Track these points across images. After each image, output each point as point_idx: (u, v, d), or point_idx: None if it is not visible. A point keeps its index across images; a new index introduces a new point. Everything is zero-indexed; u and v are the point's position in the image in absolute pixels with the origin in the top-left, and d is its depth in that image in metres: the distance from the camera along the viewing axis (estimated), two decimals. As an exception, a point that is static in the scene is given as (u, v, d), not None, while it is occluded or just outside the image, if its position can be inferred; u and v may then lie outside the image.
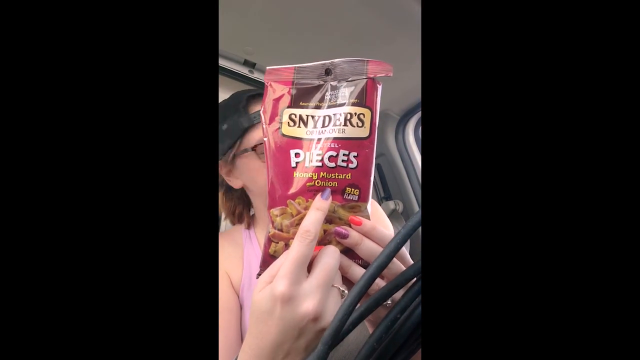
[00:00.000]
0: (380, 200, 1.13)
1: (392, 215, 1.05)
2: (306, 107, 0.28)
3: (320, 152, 0.27)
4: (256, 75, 0.94)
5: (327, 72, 0.28)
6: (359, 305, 0.25)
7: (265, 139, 0.29)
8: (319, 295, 0.25)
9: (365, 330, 0.39)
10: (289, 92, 0.29)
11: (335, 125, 0.28)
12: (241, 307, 0.58)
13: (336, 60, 0.28)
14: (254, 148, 0.53)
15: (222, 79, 0.90)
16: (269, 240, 0.29)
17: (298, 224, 0.27)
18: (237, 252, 0.62)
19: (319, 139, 0.28)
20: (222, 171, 0.58)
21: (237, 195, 0.64)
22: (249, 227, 0.64)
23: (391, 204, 1.06)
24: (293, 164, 0.28)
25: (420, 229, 0.24)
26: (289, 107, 0.29)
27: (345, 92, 0.28)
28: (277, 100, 0.29)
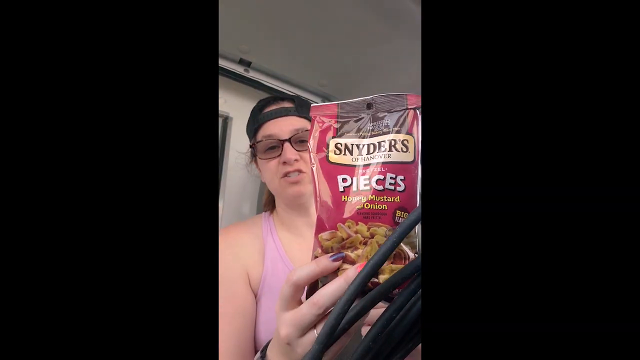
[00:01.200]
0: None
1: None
2: (351, 136, 0.31)
3: (367, 177, 0.29)
4: (252, 74, 0.93)
5: (369, 106, 0.30)
6: (355, 304, 0.25)
7: (313, 167, 0.31)
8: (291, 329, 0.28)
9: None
10: (334, 125, 0.31)
11: (380, 151, 0.30)
12: (259, 302, 0.58)
13: (376, 95, 0.30)
14: (254, 145, 0.61)
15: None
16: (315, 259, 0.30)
17: (348, 247, 0.29)
18: (257, 245, 0.62)
19: (366, 165, 0.30)
20: (258, 169, 0.67)
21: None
22: (272, 212, 0.68)
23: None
24: (341, 189, 0.29)
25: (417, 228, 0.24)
26: (334, 137, 0.31)
27: (388, 122, 0.30)
28: (323, 132, 0.31)
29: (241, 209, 0.92)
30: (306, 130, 0.61)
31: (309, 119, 0.63)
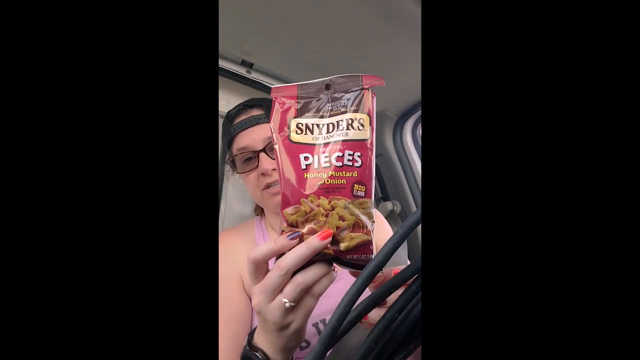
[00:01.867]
0: (378, 201, 1.13)
1: (389, 216, 1.05)
2: (311, 116, 0.32)
3: (327, 154, 0.31)
4: (254, 75, 0.94)
5: (327, 87, 0.32)
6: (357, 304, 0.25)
7: (276, 146, 0.32)
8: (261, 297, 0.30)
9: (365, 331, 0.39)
10: (295, 105, 0.33)
11: (338, 130, 0.32)
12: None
13: (334, 77, 0.32)
14: (230, 160, 0.60)
15: (219, 79, 0.90)
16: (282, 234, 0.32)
17: (312, 220, 0.30)
18: (250, 249, 0.61)
19: (326, 143, 0.32)
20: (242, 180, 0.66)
21: None
22: (263, 217, 0.68)
23: (389, 205, 1.06)
24: (303, 166, 0.31)
25: (417, 229, 0.24)
26: (295, 117, 0.33)
27: (345, 102, 0.32)
28: (284, 112, 0.33)
29: (242, 211, 0.92)
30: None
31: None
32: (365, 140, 0.31)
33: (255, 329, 0.36)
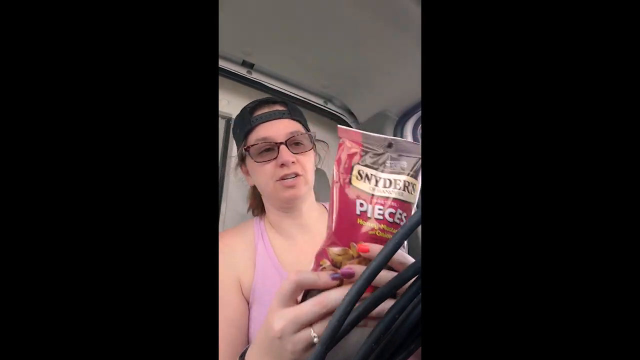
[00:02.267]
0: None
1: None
2: (372, 167, 0.34)
3: (382, 207, 0.33)
4: (254, 76, 0.94)
5: (389, 145, 0.34)
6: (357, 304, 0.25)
7: (337, 184, 0.34)
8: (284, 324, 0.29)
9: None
10: (360, 152, 0.34)
11: (395, 188, 0.34)
12: (250, 309, 0.57)
13: (398, 138, 0.35)
14: (246, 149, 0.60)
15: (220, 79, 0.90)
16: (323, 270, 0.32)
17: (357, 265, 0.31)
18: (249, 252, 0.62)
19: (382, 197, 0.33)
20: (242, 170, 0.67)
21: (258, 193, 0.69)
22: (263, 216, 0.68)
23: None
24: (358, 212, 0.32)
25: (417, 230, 0.24)
26: (358, 163, 0.34)
27: (404, 164, 0.35)
28: (350, 156, 0.35)
29: (243, 211, 0.92)
30: (301, 134, 0.61)
31: (302, 124, 0.64)
32: (413, 204, 0.34)
33: (247, 349, 0.34)
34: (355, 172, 0.34)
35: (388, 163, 0.34)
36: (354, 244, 0.31)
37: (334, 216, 0.33)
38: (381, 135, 0.35)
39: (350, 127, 1.12)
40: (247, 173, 0.66)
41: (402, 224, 0.33)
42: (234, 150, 0.94)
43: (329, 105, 1.08)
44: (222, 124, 0.96)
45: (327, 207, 0.72)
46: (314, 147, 0.65)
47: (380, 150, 0.34)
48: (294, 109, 0.65)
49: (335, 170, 0.34)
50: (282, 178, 0.58)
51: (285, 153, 0.57)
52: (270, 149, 0.59)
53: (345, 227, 0.32)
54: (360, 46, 0.79)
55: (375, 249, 0.30)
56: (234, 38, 0.80)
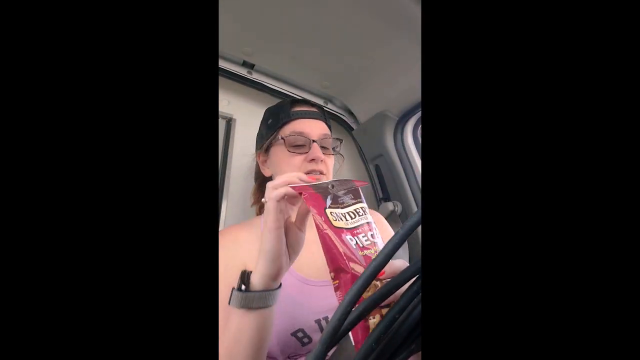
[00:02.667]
0: (378, 202, 1.13)
1: (390, 216, 1.05)
2: (335, 207, 0.40)
3: (364, 234, 0.38)
4: (255, 76, 0.94)
5: (332, 186, 0.41)
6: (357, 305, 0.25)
7: (327, 231, 0.38)
8: None
9: None
10: (320, 199, 0.40)
11: (360, 216, 0.40)
12: None
13: (332, 180, 0.42)
14: (283, 138, 0.63)
15: (220, 80, 0.90)
16: None
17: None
18: (256, 244, 0.62)
19: (357, 226, 0.39)
20: (260, 160, 0.69)
21: (261, 191, 0.72)
22: None
23: (390, 205, 1.06)
24: (353, 246, 0.37)
25: (417, 230, 0.24)
26: (326, 208, 0.40)
27: (351, 195, 0.42)
28: (320, 205, 0.40)
29: (244, 210, 0.92)
30: (331, 137, 0.67)
31: (330, 130, 0.69)
32: (372, 222, 0.40)
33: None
34: (330, 216, 0.39)
35: (340, 200, 0.41)
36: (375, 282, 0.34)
37: (342, 259, 0.36)
38: (322, 182, 0.41)
39: (352, 128, 1.12)
40: (264, 163, 0.69)
41: (377, 241, 0.38)
42: (235, 149, 0.94)
43: (330, 106, 1.08)
44: (222, 124, 0.96)
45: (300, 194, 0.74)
46: (337, 153, 0.69)
47: (329, 192, 0.41)
48: (325, 114, 0.70)
49: (316, 220, 0.39)
50: (309, 172, 0.61)
51: (316, 150, 0.61)
52: (303, 144, 0.63)
53: (358, 265, 0.36)
54: (360, 46, 0.79)
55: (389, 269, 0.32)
56: (235, 38, 0.80)
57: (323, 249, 0.38)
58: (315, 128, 0.64)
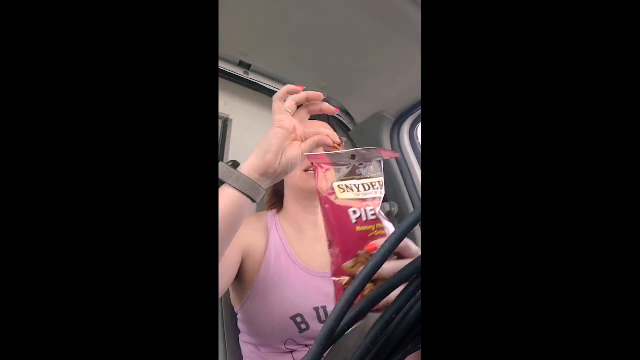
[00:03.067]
0: (375, 202, 1.13)
1: (387, 217, 1.05)
2: (348, 179, 0.39)
3: (371, 207, 0.36)
4: (252, 77, 0.94)
5: (353, 156, 0.39)
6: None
7: (327, 206, 0.37)
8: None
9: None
10: (332, 169, 0.39)
11: (374, 189, 0.39)
12: (258, 293, 0.60)
13: (357, 149, 0.39)
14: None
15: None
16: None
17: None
18: (262, 229, 0.67)
19: (370, 198, 0.38)
20: None
21: (278, 189, 0.74)
22: (279, 211, 0.73)
23: (386, 206, 1.06)
24: (354, 220, 0.36)
25: (415, 230, 0.24)
26: (335, 180, 0.39)
27: (371, 168, 0.40)
28: (326, 176, 0.39)
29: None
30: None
31: (334, 129, 0.70)
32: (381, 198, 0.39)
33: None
34: (336, 189, 0.38)
35: (359, 171, 0.39)
36: (361, 251, 0.34)
37: (336, 234, 0.36)
38: (344, 151, 0.40)
39: (349, 129, 1.12)
40: None
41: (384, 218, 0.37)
42: (231, 148, 0.94)
43: (327, 106, 1.08)
44: (219, 125, 0.96)
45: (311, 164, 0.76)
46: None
47: (349, 163, 0.39)
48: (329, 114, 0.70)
49: (319, 193, 0.38)
50: (307, 169, 0.63)
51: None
52: None
53: (348, 239, 0.35)
54: (357, 47, 0.79)
55: (381, 242, 0.31)
56: (231, 39, 0.80)
57: (323, 219, 0.38)
58: (317, 127, 0.64)
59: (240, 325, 0.68)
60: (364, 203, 0.37)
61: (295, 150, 0.42)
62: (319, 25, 0.73)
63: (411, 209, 1.01)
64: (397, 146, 1.05)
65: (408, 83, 0.87)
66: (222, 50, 0.85)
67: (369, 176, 0.40)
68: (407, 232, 0.25)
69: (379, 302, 0.26)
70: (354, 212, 0.36)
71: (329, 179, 0.39)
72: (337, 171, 0.39)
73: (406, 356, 0.27)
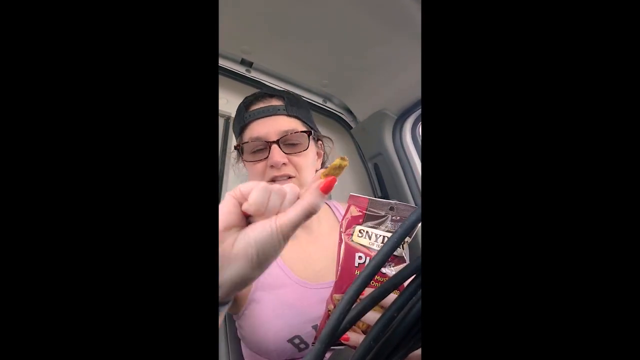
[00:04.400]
0: (377, 200, 1.13)
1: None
2: (372, 226, 0.41)
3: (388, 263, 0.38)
4: (253, 74, 0.93)
5: (392, 208, 0.41)
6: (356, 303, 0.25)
7: (342, 241, 0.41)
8: None
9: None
10: (363, 216, 0.42)
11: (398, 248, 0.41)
12: (249, 306, 0.56)
13: (399, 203, 0.41)
14: (236, 147, 0.58)
15: (219, 78, 0.90)
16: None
17: None
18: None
19: (375, 249, 0.40)
20: (245, 164, 0.63)
21: None
22: None
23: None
24: (356, 264, 0.40)
25: (417, 229, 0.24)
26: (358, 225, 0.41)
27: (397, 226, 0.42)
28: (355, 219, 0.42)
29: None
30: (296, 132, 0.57)
31: (301, 120, 0.60)
32: (403, 259, 0.40)
33: None
34: (355, 232, 0.41)
35: (388, 223, 0.41)
36: None
37: (338, 268, 0.40)
38: (385, 200, 0.41)
39: (351, 126, 1.12)
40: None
41: (391, 274, 0.37)
42: (232, 146, 0.94)
43: (328, 104, 1.08)
44: (221, 123, 0.96)
45: (332, 207, 0.72)
46: (316, 144, 0.61)
47: (383, 213, 0.41)
48: (292, 103, 0.60)
49: (340, 227, 0.41)
50: (273, 180, 0.55)
51: (276, 153, 0.54)
52: (262, 148, 0.56)
53: (346, 277, 0.39)
54: (359, 45, 0.78)
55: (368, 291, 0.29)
56: (233, 36, 0.79)
57: (337, 252, 0.40)
58: (272, 127, 0.56)
59: (239, 334, 0.64)
60: (372, 252, 0.40)
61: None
62: (321, 23, 0.73)
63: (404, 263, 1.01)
64: (399, 144, 1.05)
65: (410, 81, 0.87)
66: (224, 48, 0.85)
67: (394, 230, 0.40)
68: (408, 232, 0.25)
69: (380, 301, 0.26)
70: (359, 257, 0.39)
71: (355, 222, 0.41)
72: (367, 218, 0.41)
73: (408, 354, 0.27)
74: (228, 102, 0.97)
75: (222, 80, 0.91)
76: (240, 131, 0.59)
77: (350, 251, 0.40)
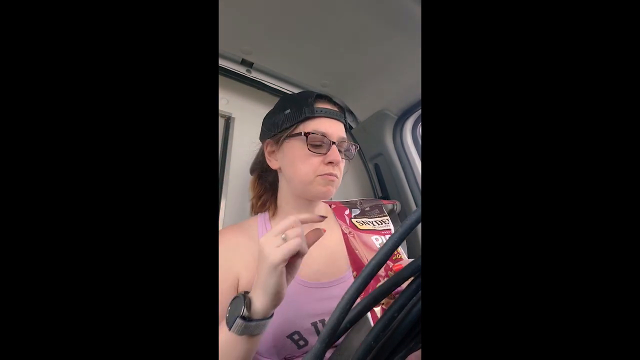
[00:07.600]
0: (377, 200, 1.13)
1: (389, 215, 1.05)
2: (363, 217, 0.55)
3: (389, 236, 0.41)
4: (254, 75, 0.93)
5: (360, 203, 0.54)
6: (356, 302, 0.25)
7: (351, 232, 0.50)
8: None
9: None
10: (350, 212, 0.56)
11: (385, 224, 0.57)
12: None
13: (362, 199, 0.56)
14: (306, 134, 0.60)
15: (219, 78, 0.90)
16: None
17: None
18: (252, 248, 0.61)
19: (384, 229, 0.52)
20: (267, 149, 0.65)
21: (270, 181, 0.68)
22: (273, 214, 0.67)
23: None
24: (378, 245, 0.46)
25: (416, 228, 0.24)
26: (352, 219, 0.55)
27: (377, 210, 0.58)
28: (347, 216, 0.55)
29: (243, 208, 0.92)
30: (347, 142, 0.64)
31: (348, 132, 0.75)
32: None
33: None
34: (356, 223, 0.48)
35: (368, 213, 0.52)
36: (391, 273, 0.41)
37: (370, 259, 0.38)
38: (353, 199, 0.52)
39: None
40: (272, 154, 0.64)
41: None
42: (234, 146, 0.94)
43: (329, 104, 1.08)
44: (221, 123, 0.96)
45: (332, 207, 0.72)
46: (349, 158, 0.66)
47: (357, 206, 0.50)
48: (344, 113, 0.66)
49: (342, 225, 0.47)
50: (324, 174, 0.60)
51: (335, 153, 0.59)
52: (322, 144, 0.60)
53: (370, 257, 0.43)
54: (359, 45, 0.79)
55: (405, 262, 0.36)
56: (233, 37, 0.79)
57: (347, 251, 0.45)
58: (336, 130, 0.61)
59: None
60: (383, 232, 0.48)
61: (294, 263, 0.45)
62: (321, 23, 0.73)
63: (413, 207, 1.01)
64: (399, 144, 1.05)
65: (410, 81, 0.87)
66: (225, 48, 0.85)
67: (377, 216, 0.53)
68: (408, 231, 0.25)
69: (381, 300, 0.26)
70: (376, 239, 0.47)
71: (349, 217, 0.52)
72: (352, 212, 0.52)
73: (408, 354, 0.27)
74: (228, 102, 0.96)
75: (223, 80, 0.91)
76: (302, 120, 0.61)
77: (364, 237, 0.47)
